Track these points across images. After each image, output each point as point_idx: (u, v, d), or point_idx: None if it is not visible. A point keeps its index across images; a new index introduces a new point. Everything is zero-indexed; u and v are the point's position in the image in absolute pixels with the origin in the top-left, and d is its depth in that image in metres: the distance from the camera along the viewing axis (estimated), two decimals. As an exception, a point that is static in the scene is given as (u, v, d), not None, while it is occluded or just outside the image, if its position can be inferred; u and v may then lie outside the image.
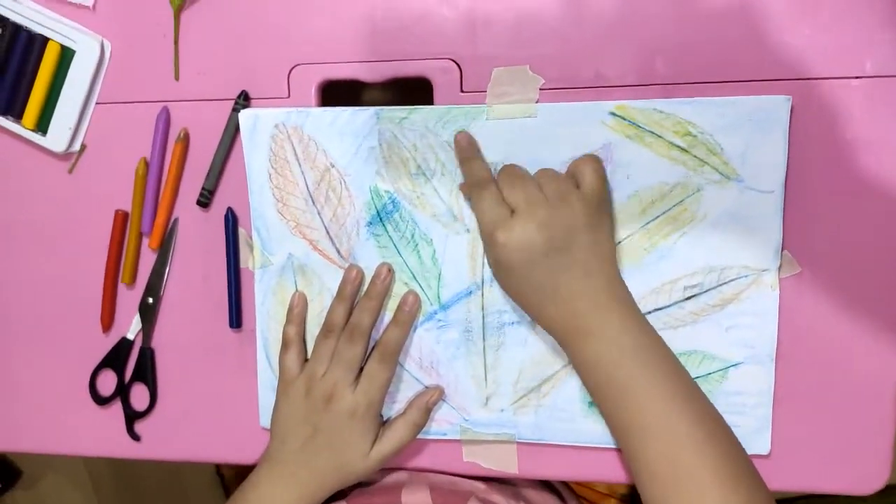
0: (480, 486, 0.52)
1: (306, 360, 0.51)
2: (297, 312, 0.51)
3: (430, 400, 0.50)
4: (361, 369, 0.49)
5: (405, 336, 0.49)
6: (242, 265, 0.53)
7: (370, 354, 0.49)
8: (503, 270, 0.45)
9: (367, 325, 0.49)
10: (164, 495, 1.31)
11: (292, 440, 0.49)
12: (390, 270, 0.49)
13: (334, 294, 0.50)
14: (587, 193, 0.44)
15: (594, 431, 0.49)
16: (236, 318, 0.53)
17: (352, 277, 0.50)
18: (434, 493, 0.50)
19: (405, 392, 0.51)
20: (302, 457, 0.48)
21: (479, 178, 0.46)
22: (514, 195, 0.44)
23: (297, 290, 0.51)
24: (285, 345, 0.51)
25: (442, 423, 0.51)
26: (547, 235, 0.42)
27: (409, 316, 0.49)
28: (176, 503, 1.31)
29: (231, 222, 0.52)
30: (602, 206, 0.45)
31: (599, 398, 0.45)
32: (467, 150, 0.47)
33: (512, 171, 0.46)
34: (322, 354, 0.49)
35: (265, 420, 0.53)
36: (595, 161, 0.45)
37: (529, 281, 0.44)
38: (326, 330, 0.49)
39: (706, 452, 0.41)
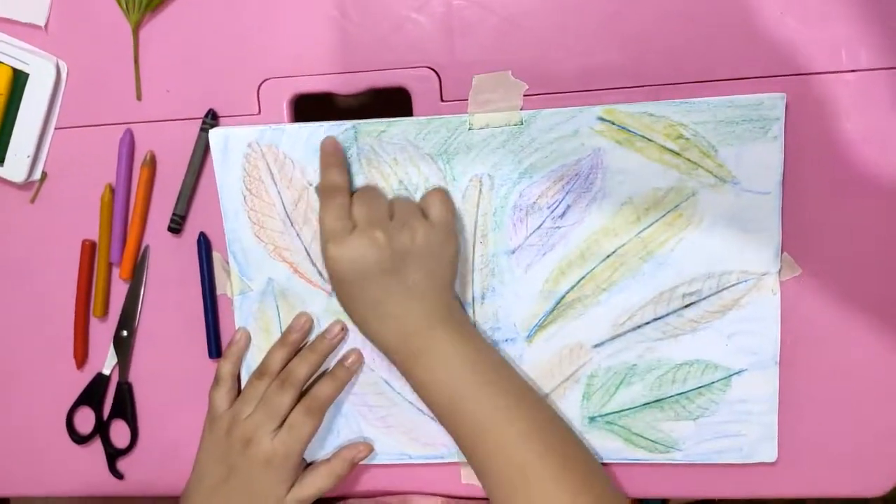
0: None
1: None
2: (234, 350, 0.49)
3: (357, 455, 0.49)
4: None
5: (338, 392, 0.48)
6: (220, 292, 0.50)
7: (299, 403, 0.47)
8: (334, 283, 0.45)
9: (301, 377, 0.47)
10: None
11: (208, 478, 0.47)
12: (343, 329, 0.48)
13: (320, 320, 0.48)
14: (432, 220, 0.44)
15: (595, 446, 0.48)
16: (215, 348, 0.50)
17: (300, 325, 0.48)
18: None
19: (398, 417, 0.49)
20: (214, 497, 0.47)
21: (333, 186, 0.45)
22: (359, 211, 0.44)
23: (278, 316, 0.49)
24: (217, 381, 0.49)
25: (438, 447, 0.49)
26: (379, 256, 0.42)
27: (347, 373, 0.48)
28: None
29: (204, 248, 0.49)
30: (446, 236, 0.44)
31: (439, 416, 0.44)
32: (331, 157, 0.46)
33: (367, 189, 0.46)
34: (250, 396, 0.48)
35: (253, 452, 0.51)
36: (443, 192, 0.45)
37: (361, 298, 0.44)
38: (259, 372, 0.48)
39: (548, 461, 0.41)
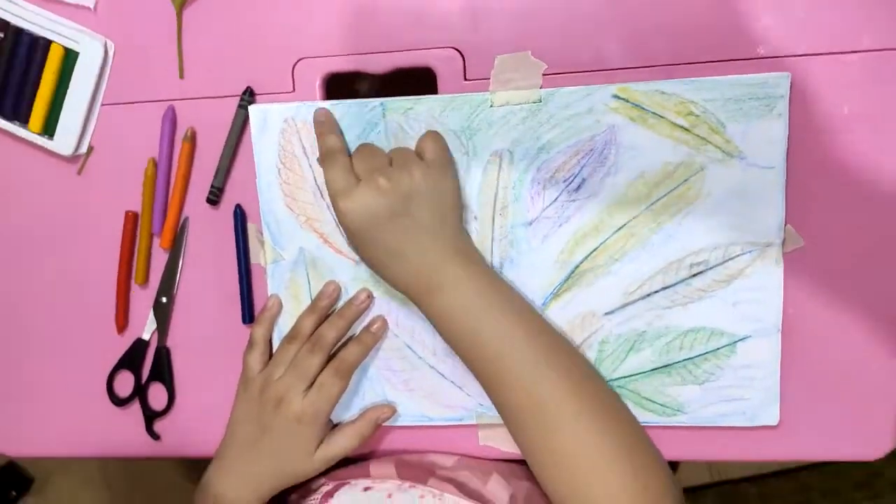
0: (448, 462, 0.53)
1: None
2: (267, 315, 0.52)
3: (380, 416, 0.52)
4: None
5: (364, 355, 0.51)
6: (254, 261, 0.53)
7: (327, 365, 0.50)
8: (351, 236, 0.47)
9: (330, 341, 0.50)
10: (177, 496, 1.32)
11: (242, 436, 0.51)
12: (369, 297, 0.51)
13: (347, 288, 0.51)
14: (428, 160, 0.47)
15: (607, 409, 0.50)
16: (249, 314, 0.54)
17: (329, 292, 0.51)
18: (399, 467, 0.51)
19: (420, 381, 0.52)
20: (248, 453, 0.50)
21: (332, 150, 0.48)
22: (360, 165, 0.46)
23: (309, 284, 0.52)
24: (251, 344, 0.52)
25: (457, 409, 0.52)
26: (386, 201, 0.44)
27: (372, 338, 0.51)
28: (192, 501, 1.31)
29: (240, 219, 0.53)
30: (443, 172, 0.47)
31: (458, 350, 0.47)
32: (324, 125, 0.49)
33: (365, 146, 0.48)
34: (281, 359, 0.51)
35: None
36: (435, 134, 0.48)
37: (376, 244, 0.46)
38: (291, 336, 0.51)
39: (565, 387, 0.44)
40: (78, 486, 1.38)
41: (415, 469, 0.51)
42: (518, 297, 0.48)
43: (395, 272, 0.47)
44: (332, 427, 0.52)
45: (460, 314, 0.46)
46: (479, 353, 0.46)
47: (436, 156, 0.47)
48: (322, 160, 0.48)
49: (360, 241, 0.47)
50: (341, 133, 0.49)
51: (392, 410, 0.52)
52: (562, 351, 0.47)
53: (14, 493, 1.37)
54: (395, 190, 0.45)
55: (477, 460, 0.53)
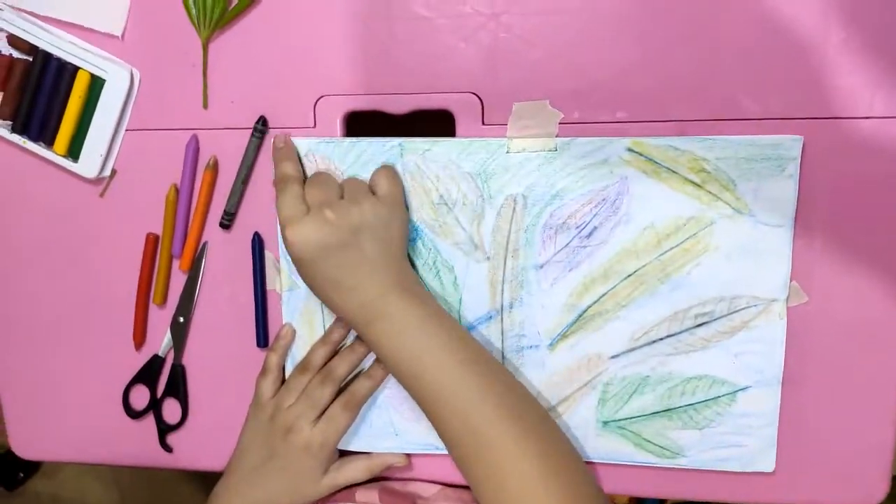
0: (429, 492, 0.54)
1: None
2: (281, 343, 0.54)
3: (393, 463, 0.54)
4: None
5: (374, 389, 0.53)
6: (269, 287, 0.55)
7: (337, 397, 0.52)
8: (295, 263, 0.47)
9: (341, 374, 0.52)
10: (183, 483, 1.35)
11: (251, 457, 0.52)
12: None
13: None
14: (380, 196, 0.48)
15: (607, 448, 0.52)
16: (264, 338, 0.55)
17: (342, 324, 0.52)
18: (382, 493, 0.53)
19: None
20: (255, 476, 0.52)
21: (286, 177, 0.48)
22: (312, 194, 0.47)
23: (322, 312, 0.53)
24: (264, 370, 0.54)
25: (462, 440, 0.53)
26: (332, 233, 0.45)
27: (382, 373, 0.52)
28: (193, 491, 1.34)
29: (258, 246, 0.54)
30: (393, 209, 0.48)
31: (400, 379, 0.47)
32: (282, 151, 0.50)
33: (318, 175, 0.49)
34: (293, 388, 0.52)
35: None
36: (389, 169, 0.49)
37: (319, 275, 0.46)
38: (302, 367, 0.53)
39: (501, 413, 0.44)
40: (84, 471, 1.41)
41: (398, 497, 0.52)
42: (459, 328, 0.48)
43: (337, 302, 0.47)
44: (341, 455, 0.54)
45: (399, 344, 0.46)
46: (419, 383, 0.46)
47: (388, 192, 0.48)
48: (276, 186, 0.49)
49: (303, 271, 0.47)
50: (299, 161, 0.50)
51: (406, 462, 0.54)
52: (498, 377, 0.47)
53: (22, 474, 1.40)
54: (342, 223, 0.45)
55: (457, 492, 0.55)
